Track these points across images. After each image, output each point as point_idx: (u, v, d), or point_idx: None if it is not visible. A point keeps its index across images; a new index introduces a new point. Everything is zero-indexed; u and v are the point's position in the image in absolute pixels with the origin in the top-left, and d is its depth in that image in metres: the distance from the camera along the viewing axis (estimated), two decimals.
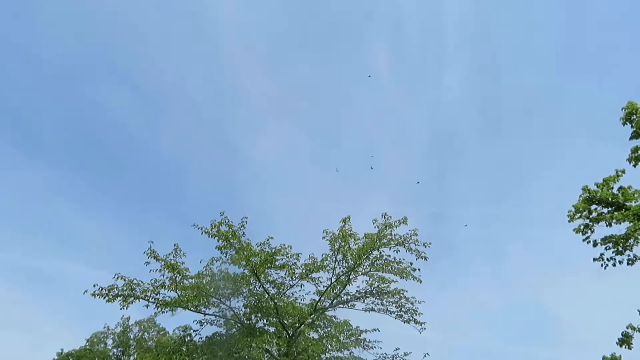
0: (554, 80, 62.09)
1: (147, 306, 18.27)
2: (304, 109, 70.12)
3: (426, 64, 66.76)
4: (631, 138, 16.53)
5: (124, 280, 17.73)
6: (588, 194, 18.05)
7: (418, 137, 67.26)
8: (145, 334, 31.48)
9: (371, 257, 18.81)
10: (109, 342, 32.08)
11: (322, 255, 19.24)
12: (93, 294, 17.34)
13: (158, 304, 18.22)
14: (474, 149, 65.21)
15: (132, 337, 31.55)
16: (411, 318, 19.43)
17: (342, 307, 20.45)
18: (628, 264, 17.88)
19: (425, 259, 18.50)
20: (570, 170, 50.45)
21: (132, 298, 17.93)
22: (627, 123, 16.49)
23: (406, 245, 18.38)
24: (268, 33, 65.66)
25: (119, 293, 17.67)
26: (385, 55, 64.96)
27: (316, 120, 72.08)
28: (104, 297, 17.39)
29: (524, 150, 61.92)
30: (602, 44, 58.82)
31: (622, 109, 16.51)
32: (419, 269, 18.74)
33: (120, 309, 17.65)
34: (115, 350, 31.63)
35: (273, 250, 18.92)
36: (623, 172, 17.31)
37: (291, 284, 20.03)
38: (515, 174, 62.22)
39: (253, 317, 20.70)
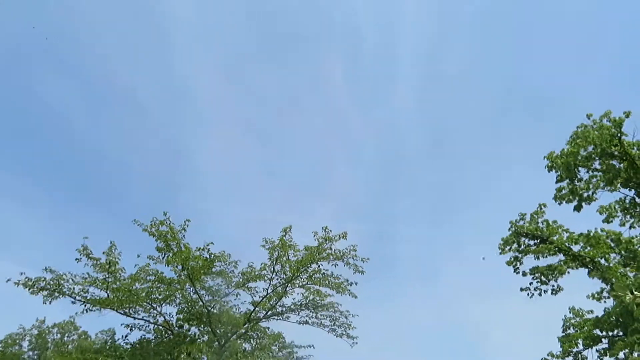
0: (499, 107, 65.81)
1: (74, 303, 17.55)
2: (256, 117, 69.92)
3: (379, 81, 68.68)
4: (557, 182, 17.80)
5: (53, 273, 16.96)
6: (516, 228, 19.18)
7: (366, 153, 68.71)
8: (65, 336, 29.90)
9: (309, 270, 19.00)
10: (25, 344, 30.23)
11: (260, 265, 19.25)
12: (17, 283, 16.61)
13: (85, 302, 17.50)
14: (419, 169, 67.51)
15: (50, 340, 29.88)
16: (344, 332, 19.71)
17: (277, 319, 20.46)
18: (552, 293, 19.11)
19: (362, 272, 18.89)
20: (508, 196, 53.51)
21: (58, 293, 17.15)
22: (552, 170, 17.68)
23: (345, 259, 18.72)
24: (224, 40, 65.16)
25: (45, 287, 16.88)
26: (340, 68, 66.27)
27: (268, 129, 72.05)
28: (29, 289, 16.57)
29: (466, 174, 64.88)
30: (546, 77, 63.28)
31: (544, 158, 17.67)
32: (355, 283, 19.10)
33: (43, 303, 16.84)
34: (31, 353, 29.83)
35: (212, 257, 18.71)
36: (545, 205, 18.62)
37: (227, 292, 19.85)
38: (456, 196, 64.83)
39: (185, 325, 20.28)
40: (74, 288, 17.43)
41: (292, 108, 69.12)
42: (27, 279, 16.80)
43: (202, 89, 67.51)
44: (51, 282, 17.10)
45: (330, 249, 18.66)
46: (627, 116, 15.69)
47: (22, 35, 55.31)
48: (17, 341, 30.68)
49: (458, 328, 46.31)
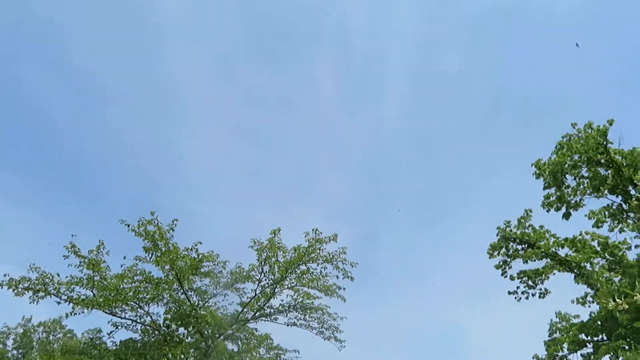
0: (489, 112, 66.57)
1: (59, 303, 17.36)
2: (246, 117, 69.83)
3: (369, 85, 69.02)
4: (544, 188, 18.04)
5: (38, 272, 16.78)
6: (503, 234, 19.37)
7: (354, 156, 69.12)
8: (51, 335, 29.56)
9: (298, 271, 18.98)
10: (9, 342, 29.87)
11: (249, 266, 19.21)
12: (0, 284, 16.32)
13: (71, 302, 17.32)
14: (408, 173, 68.13)
15: (36, 339, 29.54)
16: (332, 335, 19.68)
17: (265, 320, 20.39)
18: (539, 297, 19.32)
19: (351, 279, 18.88)
20: (499, 200, 54.35)
21: (44, 293, 16.94)
22: (540, 177, 17.93)
23: (334, 263, 18.71)
24: (215, 39, 65.06)
25: (30, 286, 16.68)
26: (331, 71, 66.42)
27: (258, 129, 72.01)
28: (13, 289, 16.36)
29: (456, 177, 65.79)
30: (533, 86, 64.12)
31: (532, 165, 17.89)
32: (344, 288, 19.09)
33: (30, 303, 16.64)
34: (15, 352, 29.47)
35: (200, 257, 18.63)
36: (531, 211, 18.83)
37: (215, 292, 19.78)
38: (444, 202, 65.57)
39: (172, 325, 20.16)
40: (59, 288, 17.26)
41: (282, 109, 69.24)
42: (10, 280, 16.58)
43: (192, 88, 67.26)
44: (36, 282, 16.91)
45: (320, 250, 18.66)
46: (611, 124, 15.96)
47: (9, 33, 54.79)
48: (1, 340, 30.32)
49: (448, 331, 46.66)
